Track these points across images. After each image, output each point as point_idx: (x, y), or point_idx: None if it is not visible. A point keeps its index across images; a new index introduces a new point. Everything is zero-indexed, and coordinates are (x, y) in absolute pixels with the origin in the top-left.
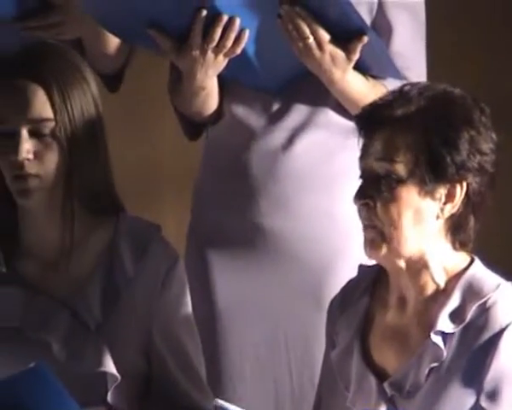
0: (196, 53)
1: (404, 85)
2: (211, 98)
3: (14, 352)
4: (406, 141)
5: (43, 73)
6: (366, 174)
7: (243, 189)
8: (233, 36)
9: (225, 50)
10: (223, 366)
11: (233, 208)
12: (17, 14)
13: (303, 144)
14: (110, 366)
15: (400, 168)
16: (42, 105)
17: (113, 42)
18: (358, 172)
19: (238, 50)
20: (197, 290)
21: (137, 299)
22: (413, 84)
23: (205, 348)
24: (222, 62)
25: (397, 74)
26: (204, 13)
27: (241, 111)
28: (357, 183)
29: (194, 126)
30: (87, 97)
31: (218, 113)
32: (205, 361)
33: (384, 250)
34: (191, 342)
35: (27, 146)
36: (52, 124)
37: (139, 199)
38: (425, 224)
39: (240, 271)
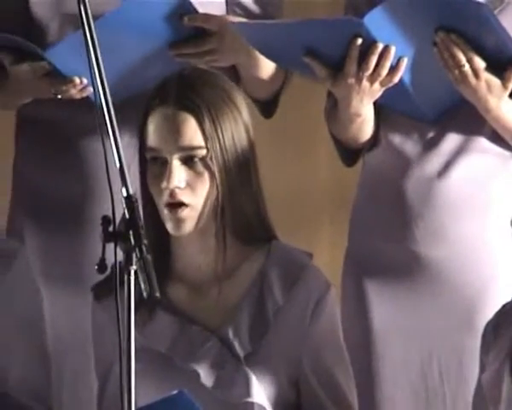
0: (352, 81)
1: None
2: (366, 125)
3: (161, 377)
4: None
5: (194, 101)
6: None
7: (399, 216)
8: (388, 64)
9: (380, 79)
10: (375, 393)
11: (389, 236)
12: (172, 40)
13: (458, 172)
14: (258, 396)
15: None
16: (193, 133)
17: (269, 68)
18: None
19: (396, 79)
20: (353, 316)
21: (287, 328)
22: None
23: (358, 375)
24: (378, 91)
25: None
26: (359, 41)
27: (397, 138)
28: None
29: (351, 152)
30: (238, 125)
31: (374, 139)
32: (357, 388)
33: None
34: (343, 373)
35: (179, 174)
36: (203, 152)
37: (292, 225)
38: None
39: (396, 297)
